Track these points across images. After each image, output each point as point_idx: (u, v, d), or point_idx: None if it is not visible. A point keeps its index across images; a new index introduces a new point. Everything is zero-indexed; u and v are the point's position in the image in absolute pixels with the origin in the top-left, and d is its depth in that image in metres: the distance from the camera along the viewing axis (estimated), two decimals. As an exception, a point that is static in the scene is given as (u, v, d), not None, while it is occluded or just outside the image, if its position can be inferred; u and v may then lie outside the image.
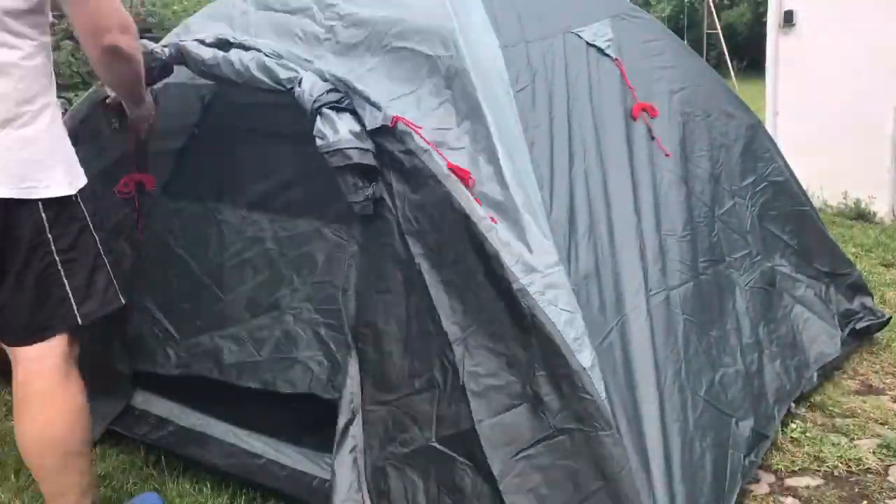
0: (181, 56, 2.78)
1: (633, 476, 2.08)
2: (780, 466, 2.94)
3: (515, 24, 2.95)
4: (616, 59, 3.08)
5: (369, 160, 2.34)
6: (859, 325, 3.71)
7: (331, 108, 2.38)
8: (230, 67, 2.64)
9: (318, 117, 2.37)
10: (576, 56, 2.98)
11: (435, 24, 2.67)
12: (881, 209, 6.20)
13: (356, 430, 2.40)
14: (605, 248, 2.57)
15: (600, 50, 3.08)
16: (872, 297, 3.90)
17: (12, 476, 3.04)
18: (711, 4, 17.52)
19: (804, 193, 3.84)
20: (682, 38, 17.85)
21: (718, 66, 17.72)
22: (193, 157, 3.83)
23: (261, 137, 3.69)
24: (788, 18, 6.42)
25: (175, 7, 7.94)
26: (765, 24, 6.87)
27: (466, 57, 2.54)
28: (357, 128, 2.34)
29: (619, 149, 2.85)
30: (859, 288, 3.84)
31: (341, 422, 2.43)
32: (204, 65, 2.74)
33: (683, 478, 2.33)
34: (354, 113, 2.39)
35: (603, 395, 2.13)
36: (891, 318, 3.90)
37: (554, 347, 2.10)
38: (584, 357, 2.12)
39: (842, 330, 3.65)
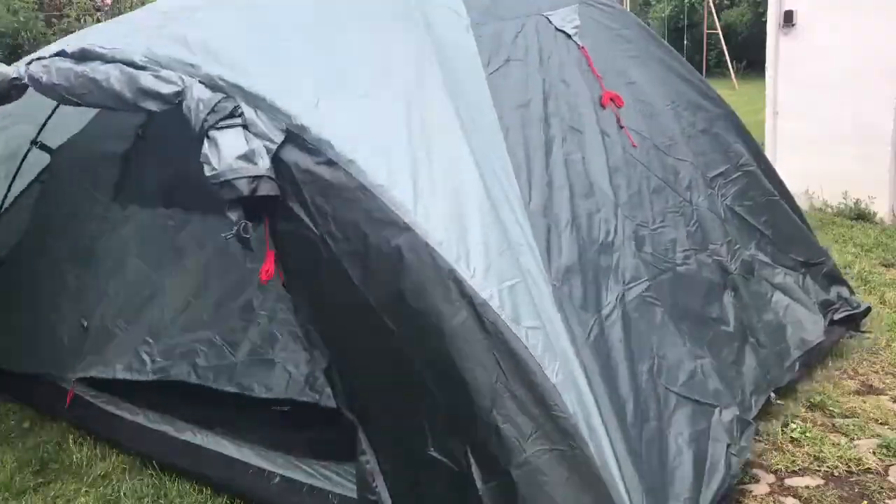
0: (38, 79, 2.48)
1: (610, 492, 2.01)
2: (780, 466, 2.93)
3: (488, 1, 2.88)
4: (582, 47, 3.05)
5: (267, 189, 2.03)
6: (837, 316, 3.69)
7: (220, 127, 2.08)
8: (103, 93, 2.30)
9: (205, 141, 2.08)
10: (547, 39, 2.94)
11: (394, 6, 2.58)
12: (881, 209, 6.20)
13: (362, 434, 2.30)
14: (586, 239, 2.49)
15: (568, 35, 3.05)
16: (849, 287, 3.88)
17: (10, 477, 3.04)
18: (711, 4, 17.51)
19: (780, 183, 3.81)
20: (683, 38, 17.88)
21: (718, 65, 17.73)
22: (139, 161, 3.76)
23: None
24: (788, 18, 6.41)
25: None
26: (765, 23, 6.86)
27: (428, 42, 2.43)
28: (244, 148, 2.04)
29: (594, 135, 2.80)
30: (835, 278, 3.82)
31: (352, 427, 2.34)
32: (66, 92, 2.40)
33: (661, 475, 2.32)
34: (245, 127, 2.11)
35: (588, 395, 2.08)
36: (869, 307, 3.88)
37: (521, 365, 1.99)
38: (551, 372, 2.02)
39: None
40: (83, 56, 2.42)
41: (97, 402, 3.39)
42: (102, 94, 2.31)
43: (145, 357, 3.49)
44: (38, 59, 2.53)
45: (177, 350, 3.50)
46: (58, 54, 2.50)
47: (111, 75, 2.28)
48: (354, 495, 2.56)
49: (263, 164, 2.04)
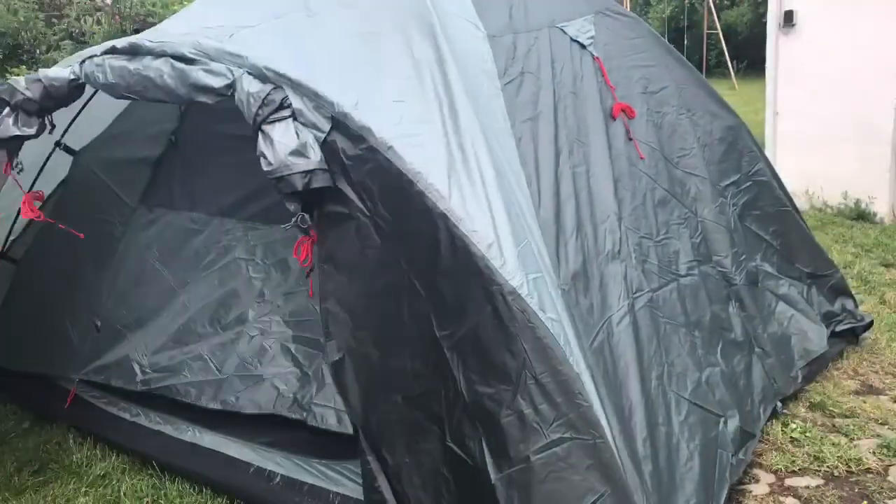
0: (94, 78, 2.54)
1: (627, 484, 2.04)
2: (780, 466, 2.93)
3: (505, 13, 2.92)
4: (597, 58, 3.06)
5: (320, 181, 2.13)
6: (840, 328, 3.71)
7: (271, 121, 2.16)
8: (158, 90, 2.39)
9: (260, 135, 2.17)
10: (561, 51, 2.96)
11: (413, 16, 2.61)
12: (881, 209, 6.20)
13: (364, 434, 2.32)
14: (591, 248, 2.53)
15: (582, 46, 3.06)
16: (854, 300, 3.90)
17: (10, 477, 3.04)
18: (711, 4, 17.51)
19: (787, 194, 3.82)
20: (683, 38, 17.87)
21: (718, 66, 17.71)
22: (170, 165, 3.79)
23: (238, 142, 3.68)
24: (788, 18, 6.41)
25: (175, 7, 7.94)
26: (765, 24, 6.86)
27: (447, 51, 2.47)
28: (294, 142, 2.13)
29: (600, 147, 2.83)
30: (840, 290, 3.83)
31: (354, 428, 2.35)
32: (125, 90, 2.48)
33: (670, 481, 2.32)
34: (295, 118, 2.19)
35: (595, 398, 2.09)
36: (872, 321, 3.90)
37: (547, 353, 2.03)
38: (574, 363, 2.06)
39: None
40: (134, 51, 2.48)
41: (97, 402, 3.39)
42: (158, 90, 2.38)
43: (136, 368, 3.47)
44: (91, 57, 2.56)
45: (166, 363, 3.48)
46: (109, 51, 2.54)
47: (164, 72, 2.35)
48: (356, 494, 2.56)
49: (315, 157, 2.13)
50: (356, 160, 2.18)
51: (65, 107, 2.72)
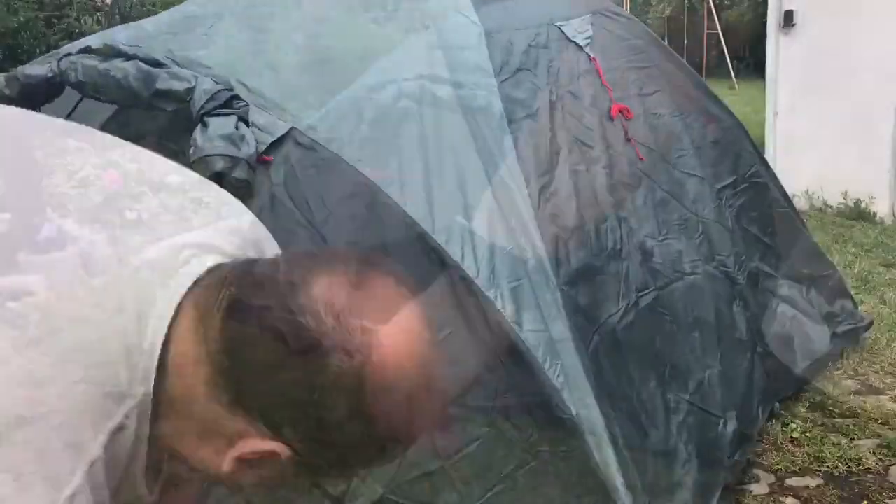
0: (67, 76, 2.46)
1: (609, 493, 2.01)
2: (780, 466, 2.93)
3: (503, 10, 2.90)
4: (593, 58, 3.05)
5: (240, 172, 2.01)
6: (840, 329, 3.70)
7: (214, 114, 2.09)
8: (122, 91, 2.32)
9: (199, 126, 2.08)
10: (558, 50, 2.94)
11: (407, 11, 2.59)
12: (881, 209, 6.20)
13: None
14: (592, 248, 2.50)
15: (579, 46, 3.04)
16: (853, 301, 3.89)
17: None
18: (711, 4, 17.53)
19: (786, 195, 3.81)
20: (683, 38, 17.90)
21: (718, 66, 17.73)
22: None
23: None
24: (788, 18, 6.41)
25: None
26: (765, 24, 6.87)
27: (440, 48, 2.45)
28: (231, 130, 2.04)
29: (599, 148, 2.80)
30: (840, 291, 3.82)
31: None
32: (92, 89, 2.42)
33: (667, 483, 2.31)
34: (242, 119, 2.11)
35: (591, 399, 2.07)
36: (871, 322, 3.89)
37: (524, 364, 2.00)
38: (552, 374, 2.03)
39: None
40: (107, 52, 2.44)
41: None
42: (122, 92, 2.33)
43: None
44: (67, 55, 2.52)
45: None
46: (84, 50, 2.50)
47: (129, 73, 2.30)
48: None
49: (246, 151, 2.04)
50: (313, 170, 2.11)
51: (48, 103, 2.61)
